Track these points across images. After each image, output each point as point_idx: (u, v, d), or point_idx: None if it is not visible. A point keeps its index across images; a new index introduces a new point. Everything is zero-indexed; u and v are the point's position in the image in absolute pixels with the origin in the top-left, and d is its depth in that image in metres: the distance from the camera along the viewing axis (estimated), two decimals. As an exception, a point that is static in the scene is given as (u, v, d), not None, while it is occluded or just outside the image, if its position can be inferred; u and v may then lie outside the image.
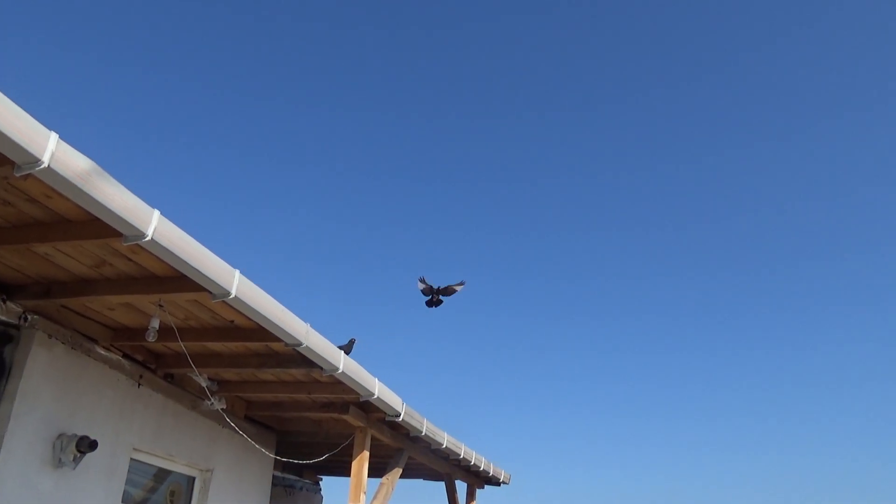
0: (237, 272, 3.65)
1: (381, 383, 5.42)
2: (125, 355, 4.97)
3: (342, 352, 4.80)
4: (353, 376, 4.97)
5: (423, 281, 4.35)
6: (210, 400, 5.54)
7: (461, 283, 4.40)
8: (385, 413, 5.90)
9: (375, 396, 5.37)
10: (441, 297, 4.31)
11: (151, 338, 3.95)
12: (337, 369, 4.74)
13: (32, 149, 2.51)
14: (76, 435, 4.31)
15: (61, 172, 2.62)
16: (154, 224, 3.06)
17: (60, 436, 4.26)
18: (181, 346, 4.70)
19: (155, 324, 3.95)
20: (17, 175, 2.60)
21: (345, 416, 5.89)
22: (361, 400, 5.52)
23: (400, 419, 5.98)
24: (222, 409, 5.59)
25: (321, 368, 4.75)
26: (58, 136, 2.61)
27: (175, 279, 3.80)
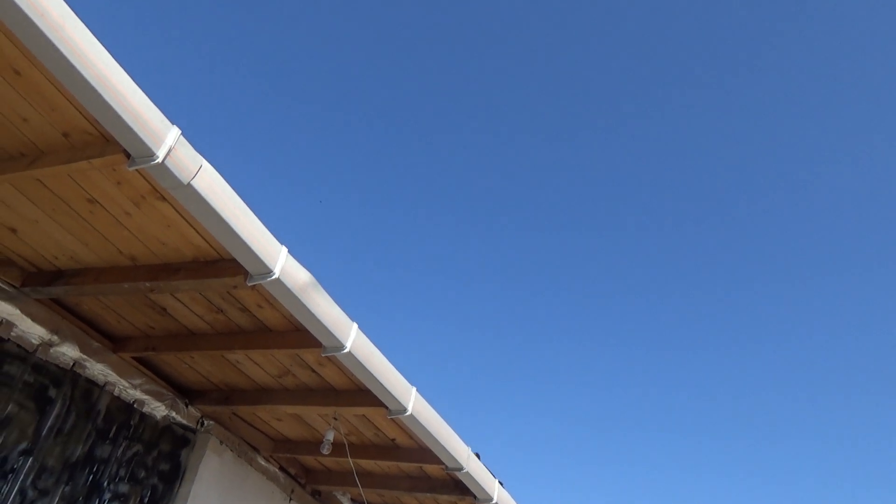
0: (414, 389, 3.68)
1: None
2: (280, 468, 5.03)
3: (497, 480, 4.63)
4: (504, 508, 4.75)
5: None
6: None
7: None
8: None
9: (522, 534, 5.08)
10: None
11: (326, 450, 4.00)
12: (491, 499, 4.56)
13: (268, 261, 2.72)
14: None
15: (287, 284, 2.81)
16: (353, 337, 3.18)
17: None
18: (340, 462, 4.72)
19: (330, 436, 4.01)
20: (249, 285, 2.81)
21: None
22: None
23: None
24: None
25: (474, 497, 4.59)
26: (287, 249, 2.83)
27: (352, 393, 3.89)
